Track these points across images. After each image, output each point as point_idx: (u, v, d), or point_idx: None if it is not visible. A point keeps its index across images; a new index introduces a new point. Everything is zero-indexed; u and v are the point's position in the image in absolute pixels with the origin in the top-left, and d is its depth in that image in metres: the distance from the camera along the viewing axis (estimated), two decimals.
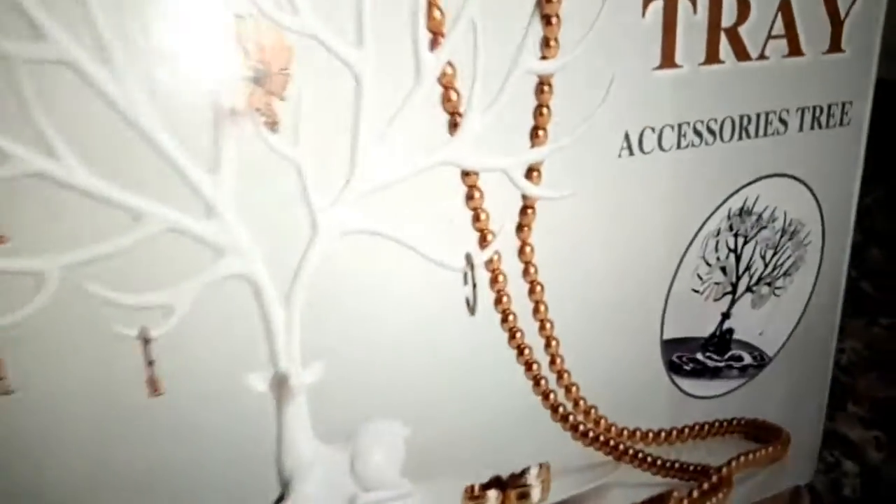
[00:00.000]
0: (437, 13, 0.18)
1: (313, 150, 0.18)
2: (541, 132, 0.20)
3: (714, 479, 0.27)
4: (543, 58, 0.20)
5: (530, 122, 0.20)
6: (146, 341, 0.18)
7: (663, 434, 0.25)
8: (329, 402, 0.20)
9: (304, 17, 0.17)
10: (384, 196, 0.19)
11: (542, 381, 0.23)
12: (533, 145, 0.20)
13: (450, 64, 0.19)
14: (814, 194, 0.25)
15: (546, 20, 0.19)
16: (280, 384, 0.20)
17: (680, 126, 0.22)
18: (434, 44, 0.18)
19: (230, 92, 0.17)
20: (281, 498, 0.21)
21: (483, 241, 0.21)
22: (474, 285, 0.21)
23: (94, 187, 0.17)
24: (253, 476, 0.20)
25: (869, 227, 0.42)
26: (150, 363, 0.18)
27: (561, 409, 0.23)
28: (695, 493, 0.26)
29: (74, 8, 0.15)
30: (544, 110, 0.20)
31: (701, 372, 0.25)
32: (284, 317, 0.19)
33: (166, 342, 0.18)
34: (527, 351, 0.22)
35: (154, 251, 0.18)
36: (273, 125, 0.18)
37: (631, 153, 0.22)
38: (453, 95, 0.19)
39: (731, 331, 0.25)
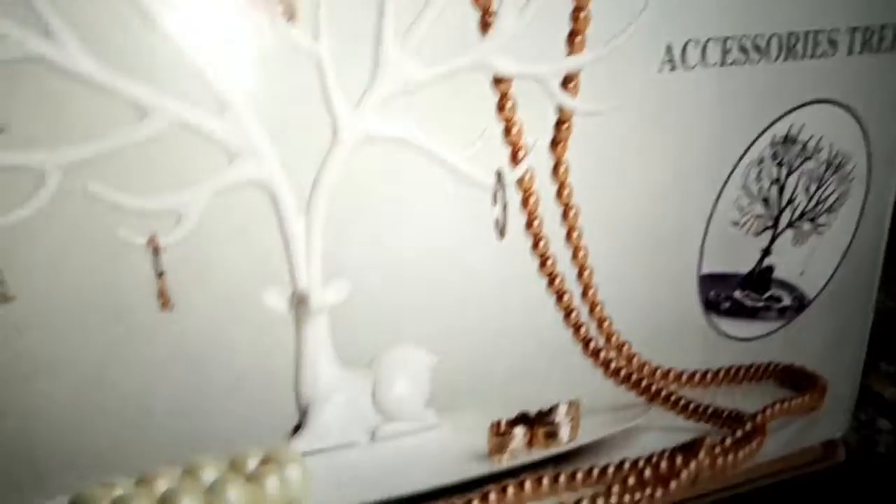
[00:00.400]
0: None
1: (334, 45, 0.17)
2: (578, 38, 0.19)
3: (748, 426, 0.25)
4: None
5: (568, 28, 0.19)
6: (155, 250, 0.17)
7: (697, 376, 0.24)
8: (351, 325, 0.19)
9: None
10: (411, 101, 0.18)
11: (574, 313, 0.22)
12: (570, 53, 0.19)
13: None
14: (861, 125, 0.24)
15: None
16: (300, 303, 0.18)
17: (725, 41, 0.21)
18: None
19: None
20: (298, 427, 0.20)
21: (515, 158, 0.19)
22: (505, 206, 0.20)
23: (97, 76, 0.15)
24: (268, 403, 0.19)
25: None
26: (160, 274, 0.17)
27: (592, 344, 0.22)
28: (728, 441, 0.25)
29: None
30: (582, 14, 0.19)
31: (738, 311, 0.24)
32: (304, 228, 0.18)
33: (177, 253, 0.17)
34: (558, 279, 0.21)
35: (163, 151, 0.16)
36: (291, 16, 0.16)
37: (673, 68, 0.20)
38: None
39: (770, 268, 0.24)
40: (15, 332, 0.17)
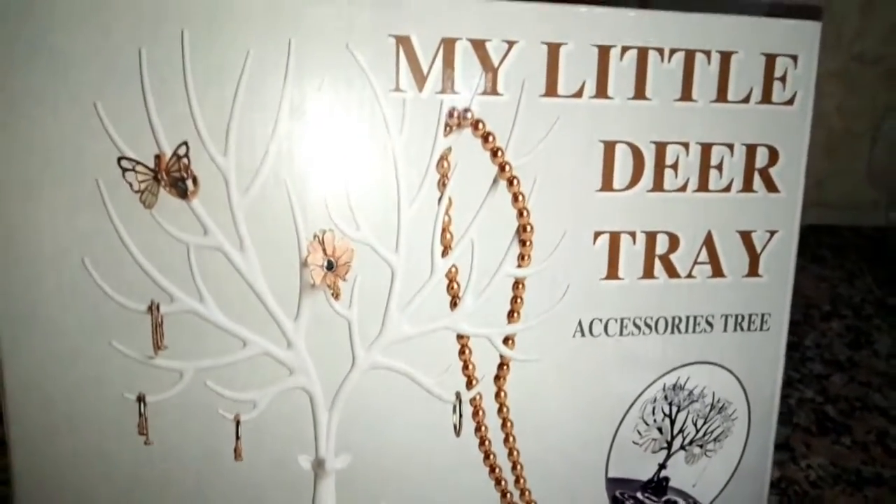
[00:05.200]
0: (448, 235, 0.28)
1: (359, 313, 0.28)
2: (515, 314, 0.30)
3: None
4: (519, 266, 0.29)
5: (508, 307, 0.30)
6: (237, 422, 0.28)
7: None
8: (350, 484, 0.29)
9: (364, 231, 0.28)
10: (403, 345, 0.29)
11: (508, 495, 0.31)
12: (509, 322, 0.30)
13: (454, 265, 0.29)
14: (739, 380, 0.33)
15: (522, 242, 0.29)
16: (318, 465, 0.29)
17: (622, 320, 0.31)
18: (444, 253, 0.28)
19: (312, 273, 0.27)
20: None
21: (469, 384, 0.30)
22: (460, 415, 0.30)
23: (223, 323, 0.27)
24: None
25: (830, 357, 0.49)
26: (238, 438, 0.28)
27: None
28: None
29: (226, 214, 0.26)
30: (518, 300, 0.29)
31: None
32: (327, 419, 0.29)
33: (250, 425, 0.28)
34: (497, 469, 0.30)
35: (252, 365, 0.28)
36: (336, 296, 0.28)
37: (583, 335, 0.30)
38: (455, 286, 0.29)
39: (667, 479, 0.32)
40: (152, 460, 0.28)
